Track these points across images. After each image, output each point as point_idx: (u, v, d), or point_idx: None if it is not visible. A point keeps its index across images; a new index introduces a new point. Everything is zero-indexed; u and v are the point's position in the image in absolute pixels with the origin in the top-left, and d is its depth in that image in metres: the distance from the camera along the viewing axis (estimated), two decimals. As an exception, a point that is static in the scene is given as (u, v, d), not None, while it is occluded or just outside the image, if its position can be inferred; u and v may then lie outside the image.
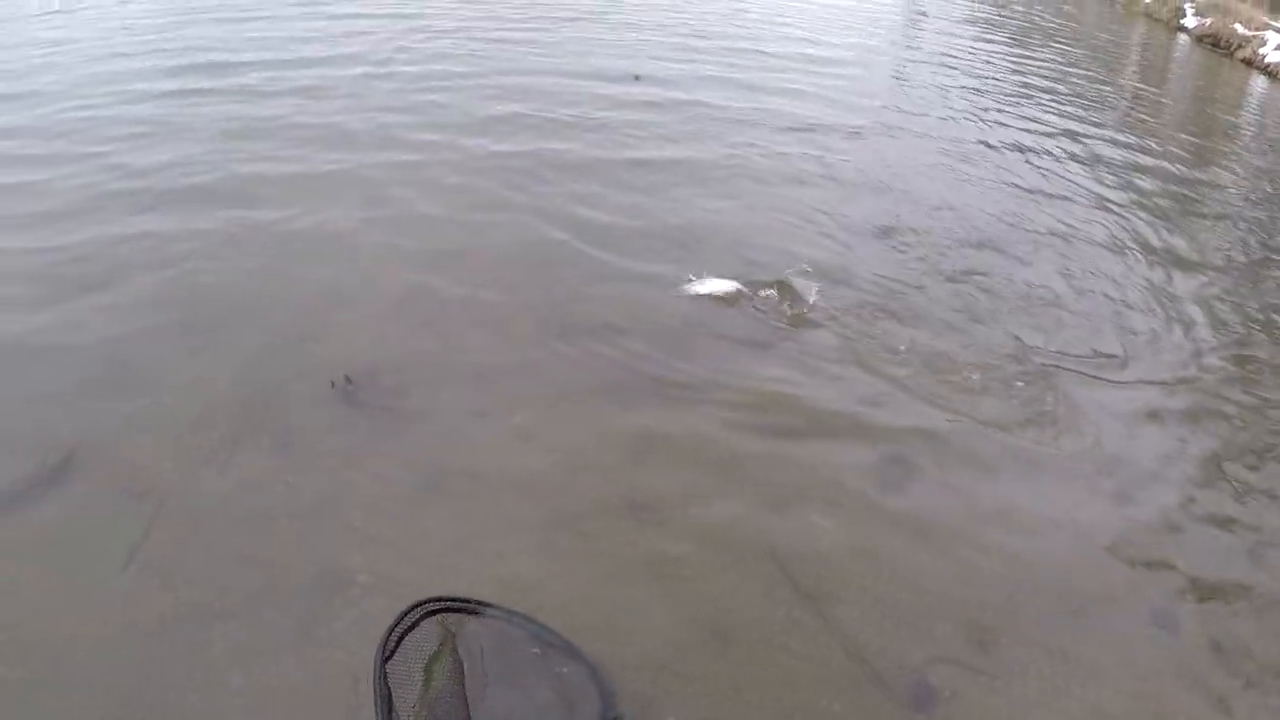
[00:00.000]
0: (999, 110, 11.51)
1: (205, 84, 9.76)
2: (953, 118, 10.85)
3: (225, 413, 4.53)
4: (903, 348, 5.52)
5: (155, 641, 3.33)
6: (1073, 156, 10.08)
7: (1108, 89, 14.54)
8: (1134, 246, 7.69)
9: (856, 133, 9.84)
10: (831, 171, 8.55)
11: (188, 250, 6.05)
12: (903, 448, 4.71)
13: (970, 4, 20.78)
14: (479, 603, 3.26)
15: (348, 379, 4.78)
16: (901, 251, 6.92)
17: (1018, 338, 5.83)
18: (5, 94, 9.44)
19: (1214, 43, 19.06)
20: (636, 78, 10.94)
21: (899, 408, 5.02)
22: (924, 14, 19.12)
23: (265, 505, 4.01)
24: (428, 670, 2.94)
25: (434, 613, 3.09)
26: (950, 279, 6.56)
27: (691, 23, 14.72)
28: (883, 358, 5.43)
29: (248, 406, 4.59)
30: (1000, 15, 20.61)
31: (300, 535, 3.87)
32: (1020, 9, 21.83)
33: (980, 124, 10.77)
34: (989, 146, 9.92)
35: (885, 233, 7.30)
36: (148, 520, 3.86)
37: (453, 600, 3.19)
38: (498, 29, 13.07)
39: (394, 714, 2.67)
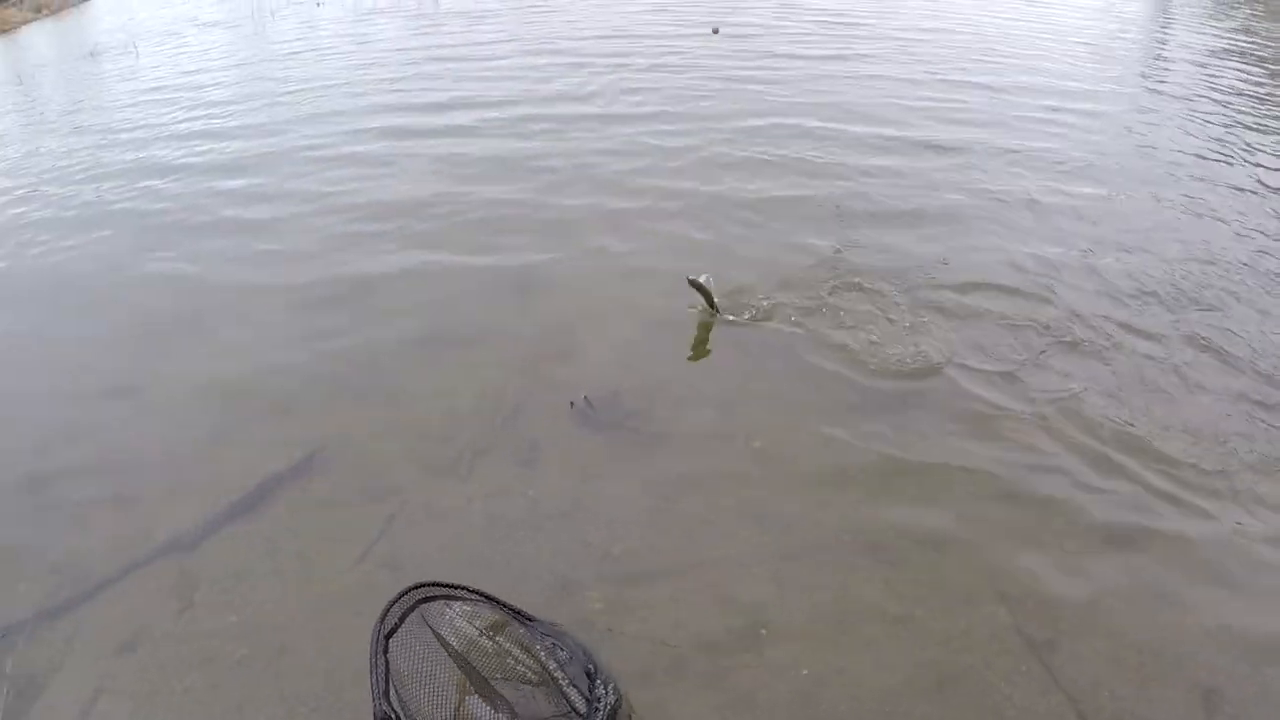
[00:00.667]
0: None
1: (437, 121, 10.03)
2: (1203, 155, 8.50)
3: (469, 425, 4.45)
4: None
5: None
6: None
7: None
8: None
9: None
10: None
11: (435, 279, 6.17)
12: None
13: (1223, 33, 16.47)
14: (478, 592, 3.00)
15: (587, 400, 4.59)
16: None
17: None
18: (246, 125, 10.39)
19: None
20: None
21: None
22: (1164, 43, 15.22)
23: (503, 513, 3.83)
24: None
25: (435, 598, 2.89)
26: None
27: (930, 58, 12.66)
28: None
29: (491, 420, 4.48)
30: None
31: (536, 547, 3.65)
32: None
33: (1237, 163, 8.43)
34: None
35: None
36: (385, 520, 3.78)
37: (452, 586, 2.96)
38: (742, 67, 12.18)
39: (391, 686, 2.52)
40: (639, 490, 3.99)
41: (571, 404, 4.57)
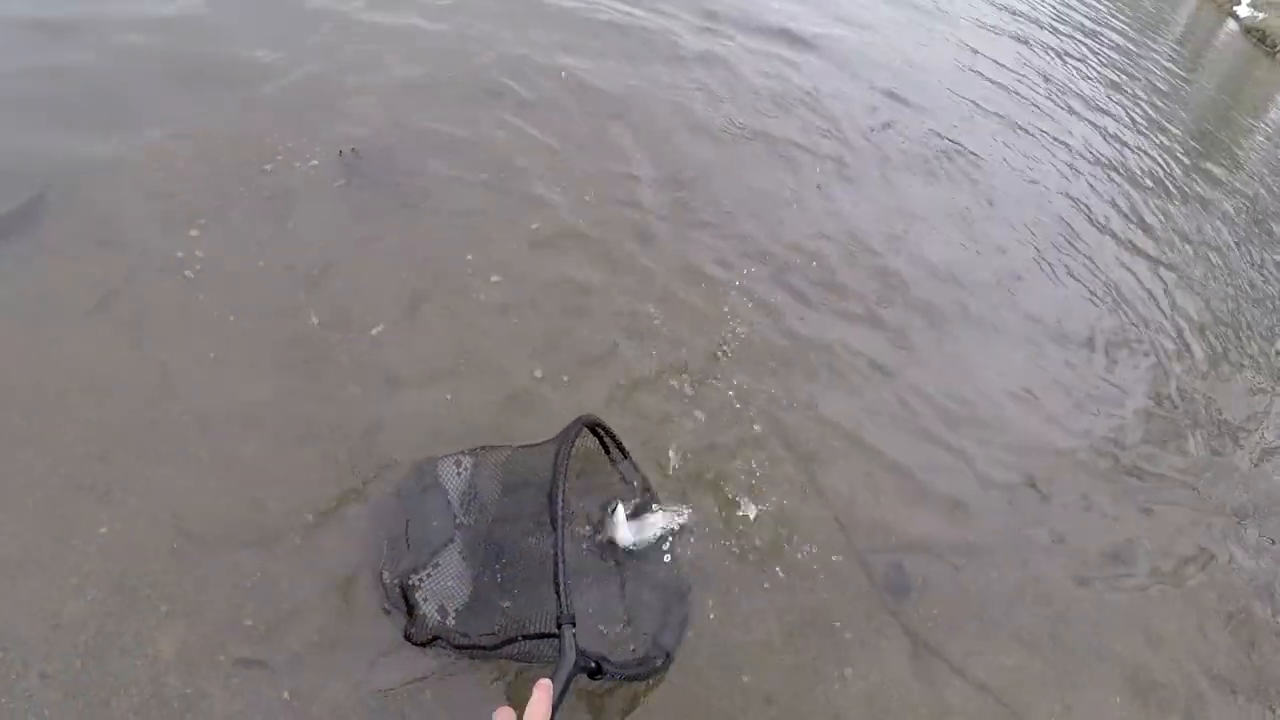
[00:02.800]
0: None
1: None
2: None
3: (221, 176, 4.05)
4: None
5: (128, 395, 3.07)
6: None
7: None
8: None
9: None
10: None
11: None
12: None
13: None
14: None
15: (355, 151, 4.32)
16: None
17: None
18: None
19: (1260, 38, 20.45)
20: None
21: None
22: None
23: (247, 270, 3.65)
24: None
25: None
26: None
27: None
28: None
29: (246, 172, 4.11)
30: None
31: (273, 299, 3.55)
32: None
33: None
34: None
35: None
36: (124, 273, 3.48)
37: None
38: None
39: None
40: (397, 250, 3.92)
41: (340, 153, 4.30)
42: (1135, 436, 4.88)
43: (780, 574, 3.28)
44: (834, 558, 3.42)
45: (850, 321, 4.71)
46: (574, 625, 2.14)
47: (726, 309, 4.36)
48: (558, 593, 2.17)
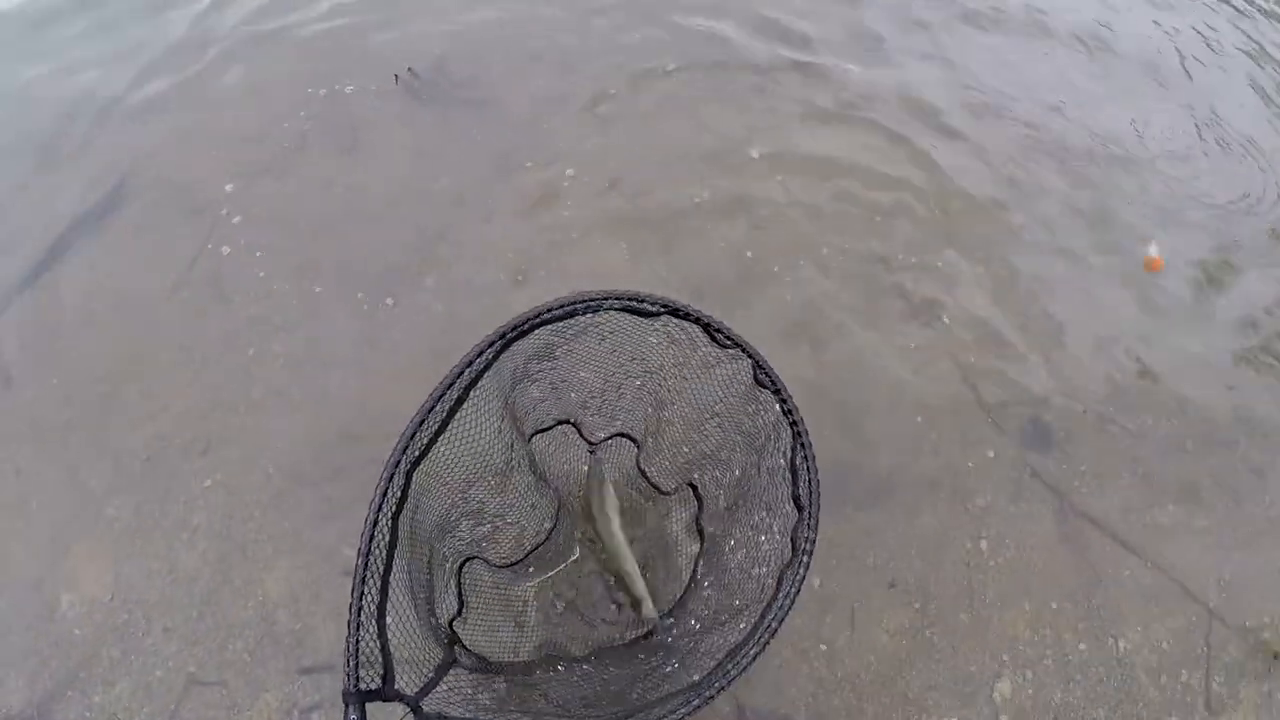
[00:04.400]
0: None
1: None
2: None
3: (282, 117, 3.93)
4: None
5: (213, 350, 3.05)
6: None
7: None
8: None
9: None
10: None
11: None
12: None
13: None
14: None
15: (411, 71, 4.07)
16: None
17: None
18: None
19: None
20: None
21: None
22: None
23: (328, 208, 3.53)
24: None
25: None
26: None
27: None
28: None
29: (303, 110, 3.97)
30: None
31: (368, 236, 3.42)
32: None
33: None
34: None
35: None
36: (207, 231, 3.45)
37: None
38: None
39: None
40: (479, 159, 3.68)
41: (396, 77, 4.06)
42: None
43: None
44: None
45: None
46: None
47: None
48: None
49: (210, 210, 3.49)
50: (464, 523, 2.11)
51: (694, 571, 2.29)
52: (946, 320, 3.30)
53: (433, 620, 1.87)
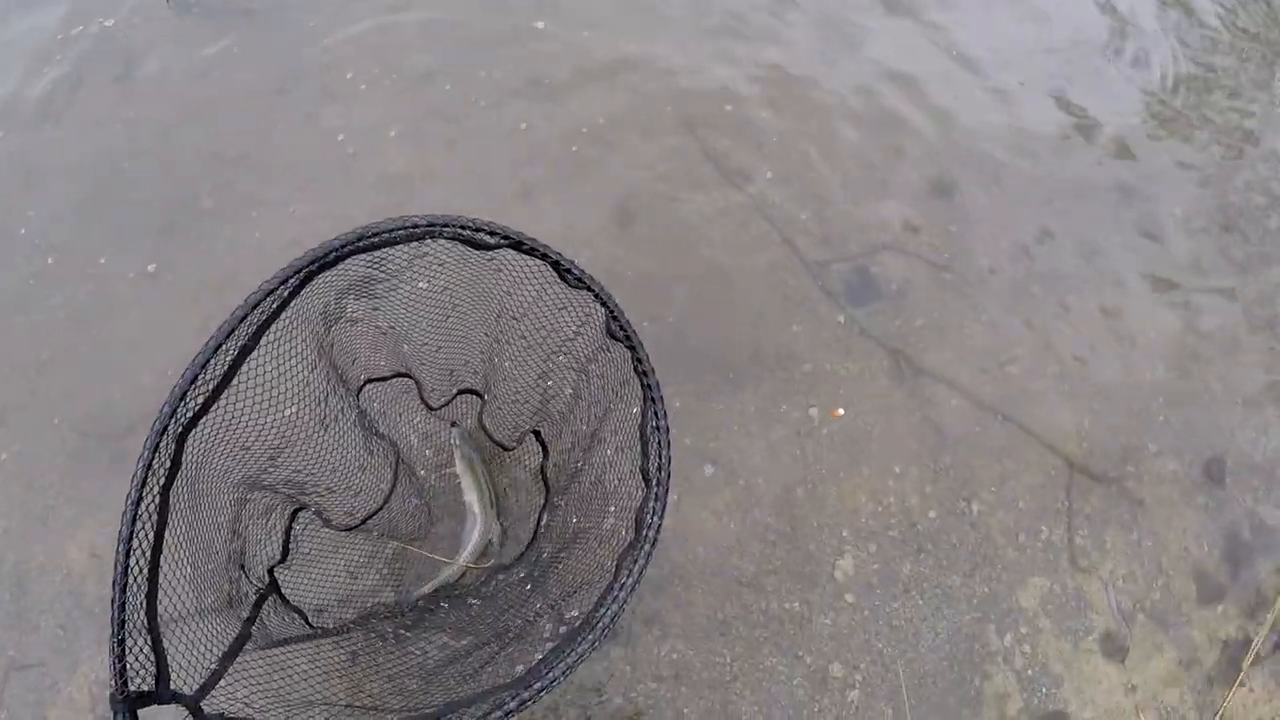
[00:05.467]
0: None
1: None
2: None
3: (50, 57, 3.54)
4: None
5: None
6: None
7: None
8: None
9: None
10: None
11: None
12: None
13: None
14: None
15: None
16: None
17: None
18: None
19: None
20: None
21: None
22: None
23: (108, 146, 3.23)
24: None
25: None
26: None
27: None
28: None
29: (73, 44, 3.57)
30: None
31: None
32: None
33: None
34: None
35: None
36: None
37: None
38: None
39: None
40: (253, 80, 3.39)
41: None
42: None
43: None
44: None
45: None
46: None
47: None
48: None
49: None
50: (279, 486, 1.91)
51: (538, 523, 2.19)
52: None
53: (237, 578, 1.69)
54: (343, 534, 2.16)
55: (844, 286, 2.92)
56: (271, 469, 1.83)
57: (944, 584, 2.42)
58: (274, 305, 1.43)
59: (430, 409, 2.20)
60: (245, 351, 1.43)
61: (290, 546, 1.97)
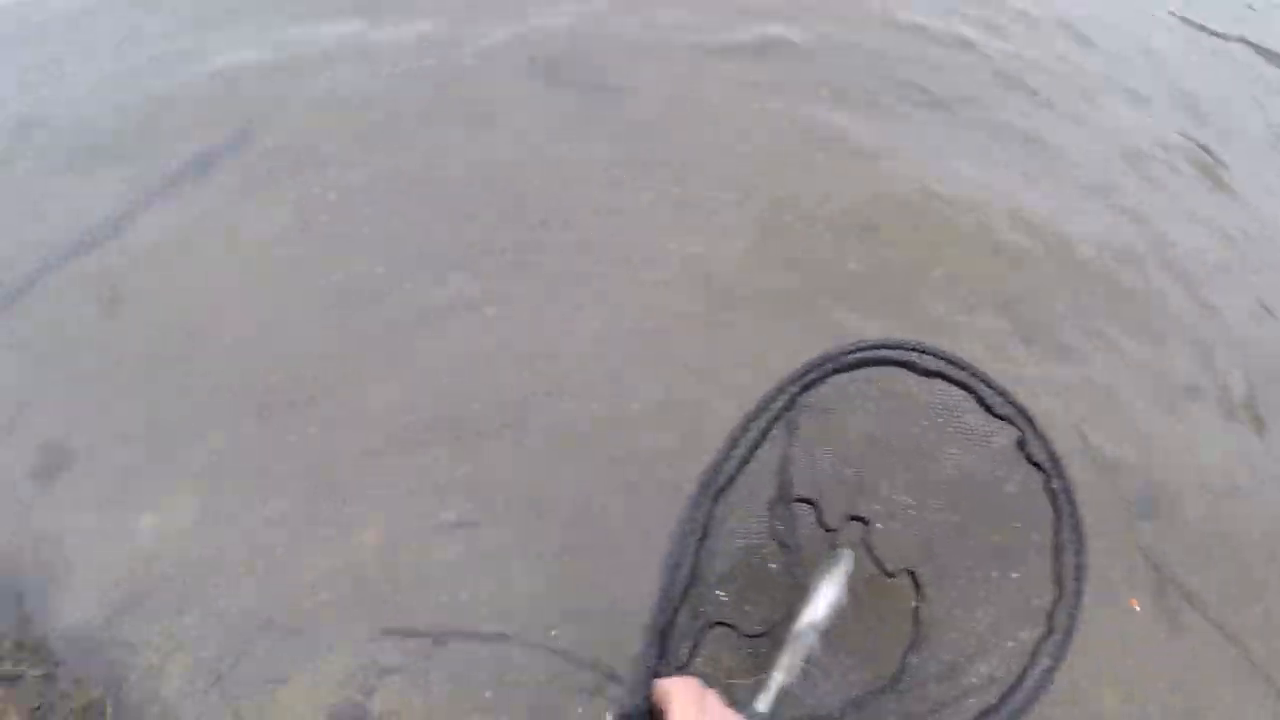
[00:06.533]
0: None
1: None
2: None
3: (409, 88, 3.83)
4: None
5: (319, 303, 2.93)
6: None
7: None
8: None
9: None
10: None
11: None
12: None
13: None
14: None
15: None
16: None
17: None
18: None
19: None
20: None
21: None
22: None
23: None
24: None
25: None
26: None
27: None
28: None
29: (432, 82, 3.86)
30: None
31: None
32: None
33: None
34: None
35: None
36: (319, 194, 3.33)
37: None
38: None
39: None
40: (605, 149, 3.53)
41: (531, 59, 3.97)
42: None
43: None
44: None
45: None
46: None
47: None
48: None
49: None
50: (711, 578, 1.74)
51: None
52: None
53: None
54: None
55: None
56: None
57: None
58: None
59: (827, 529, 2.02)
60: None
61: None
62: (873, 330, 2.88)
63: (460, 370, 2.71)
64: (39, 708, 1.99)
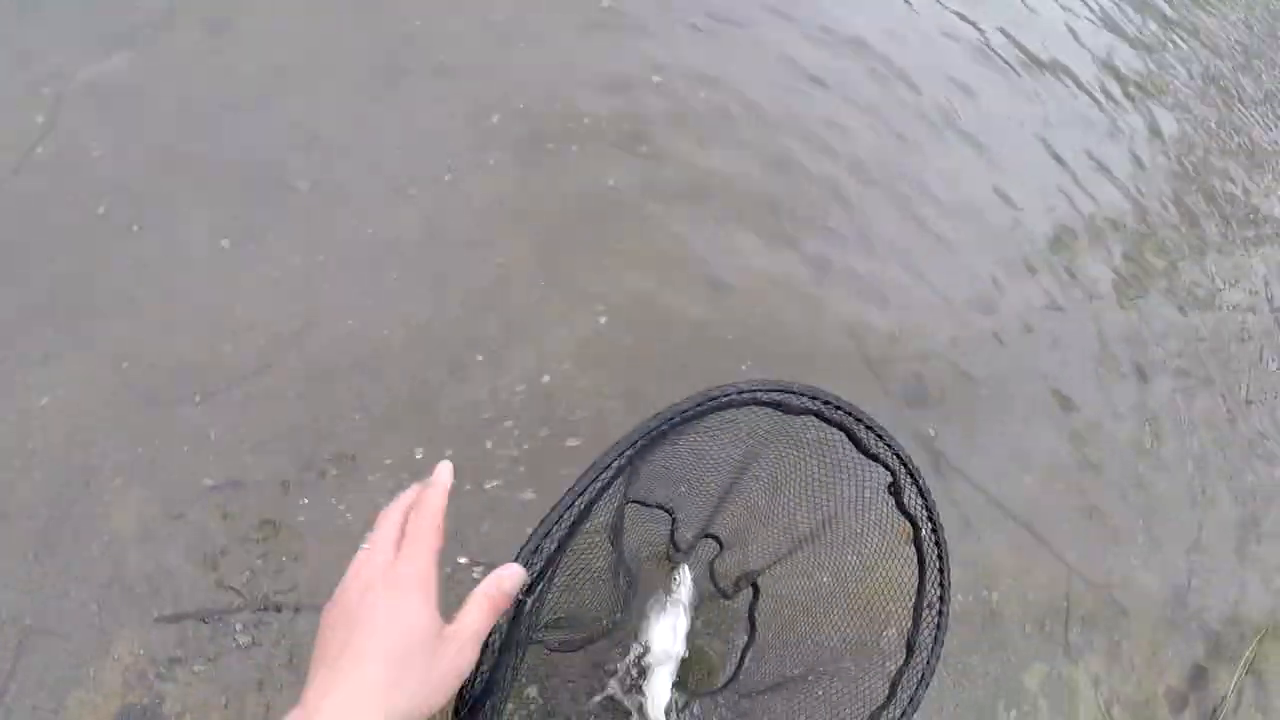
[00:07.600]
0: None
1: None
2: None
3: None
4: None
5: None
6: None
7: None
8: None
9: None
10: None
11: None
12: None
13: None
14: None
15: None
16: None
17: None
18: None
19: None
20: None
21: None
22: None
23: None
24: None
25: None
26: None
27: None
28: None
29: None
30: None
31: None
32: None
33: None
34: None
35: None
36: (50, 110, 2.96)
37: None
38: None
39: None
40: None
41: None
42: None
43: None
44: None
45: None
46: None
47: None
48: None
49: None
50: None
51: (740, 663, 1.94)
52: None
53: None
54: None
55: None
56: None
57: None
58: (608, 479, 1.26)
59: (676, 548, 1.95)
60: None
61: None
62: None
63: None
64: None
